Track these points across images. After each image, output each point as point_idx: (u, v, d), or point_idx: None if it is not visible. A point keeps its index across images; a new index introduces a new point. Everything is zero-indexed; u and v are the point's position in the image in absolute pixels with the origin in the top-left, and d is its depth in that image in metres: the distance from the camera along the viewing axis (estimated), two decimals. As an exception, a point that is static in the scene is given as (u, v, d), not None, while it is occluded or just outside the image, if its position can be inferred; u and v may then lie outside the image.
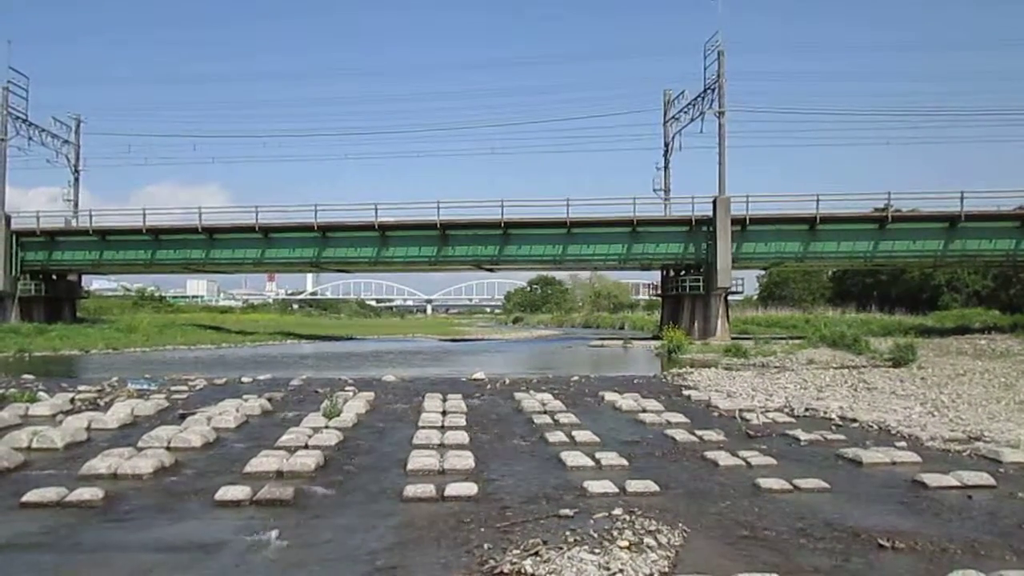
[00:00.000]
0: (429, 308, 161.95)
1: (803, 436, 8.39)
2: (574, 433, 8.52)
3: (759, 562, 4.34)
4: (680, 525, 4.97)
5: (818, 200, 34.55)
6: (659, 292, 42.42)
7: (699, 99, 37.21)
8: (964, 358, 19.63)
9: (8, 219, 38.91)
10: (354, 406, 10.65)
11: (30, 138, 41.85)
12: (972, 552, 4.55)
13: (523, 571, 4.13)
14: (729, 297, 37.12)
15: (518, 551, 4.44)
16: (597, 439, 8.23)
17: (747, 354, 22.25)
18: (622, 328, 63.02)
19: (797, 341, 26.20)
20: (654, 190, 40.39)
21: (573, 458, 7.06)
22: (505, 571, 4.16)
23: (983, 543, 4.70)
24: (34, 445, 7.83)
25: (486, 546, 4.58)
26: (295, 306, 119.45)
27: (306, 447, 7.66)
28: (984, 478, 6.24)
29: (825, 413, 10.25)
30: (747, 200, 34.83)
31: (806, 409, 10.62)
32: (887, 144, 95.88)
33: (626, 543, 4.55)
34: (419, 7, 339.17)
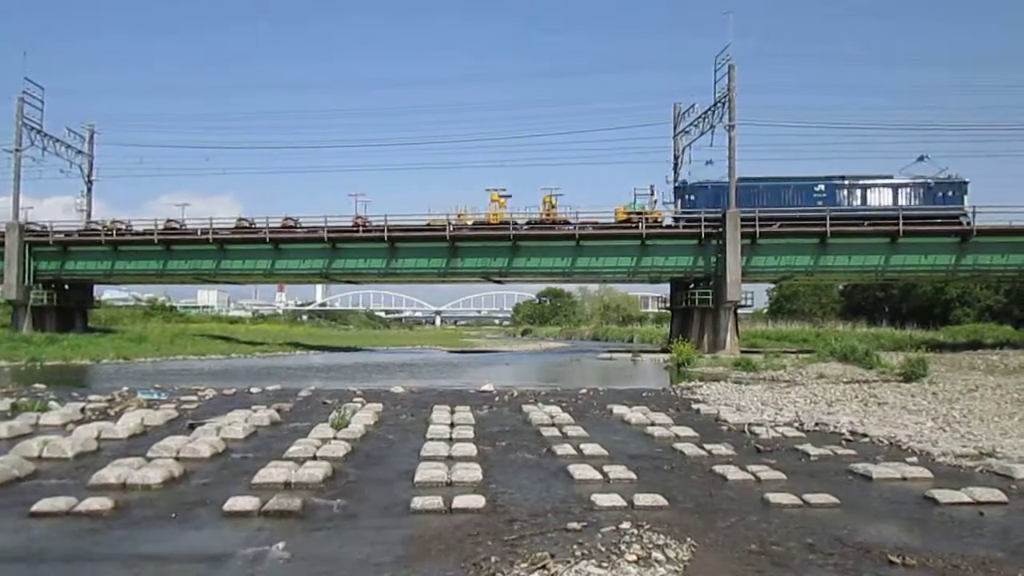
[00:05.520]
0: (438, 319, 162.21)
1: (813, 451, 8.34)
2: (582, 446, 8.49)
3: (768, 578, 4.31)
4: (688, 539, 4.94)
5: (829, 214, 34.48)
6: (668, 305, 42.42)
7: (709, 112, 37.30)
8: (976, 373, 19.47)
9: (21, 229, 39.24)
10: (362, 417, 10.66)
11: (44, 148, 42.29)
12: (983, 570, 4.50)
13: (530, 585, 4.12)
14: (738, 311, 37.02)
15: (525, 564, 4.43)
16: (605, 452, 8.21)
17: (756, 368, 22.15)
18: (631, 341, 62.90)
19: (807, 355, 26.06)
20: (664, 203, 40.43)
21: (581, 471, 7.04)
22: (512, 584, 4.15)
23: (995, 560, 4.66)
24: (44, 454, 7.88)
25: (493, 559, 4.57)
26: (304, 317, 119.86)
27: (314, 458, 7.67)
28: (996, 495, 6.19)
29: (835, 428, 10.19)
30: (756, 213, 34.86)
31: (816, 424, 10.56)
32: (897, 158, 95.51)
33: (634, 557, 4.53)
34: (428, 18, 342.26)
